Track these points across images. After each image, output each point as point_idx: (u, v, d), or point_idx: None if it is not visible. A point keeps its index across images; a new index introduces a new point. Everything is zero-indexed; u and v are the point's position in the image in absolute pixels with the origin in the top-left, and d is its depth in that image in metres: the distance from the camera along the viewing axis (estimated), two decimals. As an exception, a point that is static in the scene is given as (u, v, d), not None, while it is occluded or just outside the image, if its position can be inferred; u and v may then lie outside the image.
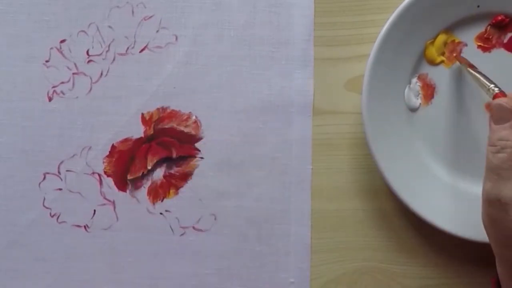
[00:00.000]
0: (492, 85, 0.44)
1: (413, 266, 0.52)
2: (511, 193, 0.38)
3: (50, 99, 0.52)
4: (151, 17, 0.52)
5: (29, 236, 0.51)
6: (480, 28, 0.50)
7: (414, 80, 0.50)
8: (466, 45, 0.50)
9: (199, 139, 0.52)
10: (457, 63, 0.50)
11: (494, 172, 0.39)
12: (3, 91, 0.52)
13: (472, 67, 0.48)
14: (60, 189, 0.52)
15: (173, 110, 0.52)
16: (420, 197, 0.49)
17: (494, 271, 0.52)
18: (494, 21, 0.50)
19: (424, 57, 0.50)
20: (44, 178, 0.52)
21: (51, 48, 0.52)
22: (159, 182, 0.52)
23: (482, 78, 0.45)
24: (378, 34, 0.48)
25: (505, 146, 0.39)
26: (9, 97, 0.52)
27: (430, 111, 0.50)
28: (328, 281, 0.51)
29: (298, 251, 0.51)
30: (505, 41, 0.50)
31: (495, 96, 0.43)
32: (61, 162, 0.52)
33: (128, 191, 0.52)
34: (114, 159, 0.52)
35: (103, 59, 0.52)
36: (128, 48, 0.52)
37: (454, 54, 0.50)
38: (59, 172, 0.52)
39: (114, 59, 0.52)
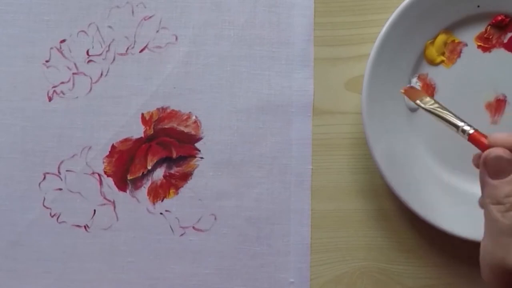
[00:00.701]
0: (462, 124, 0.39)
1: (413, 266, 0.52)
2: None
3: (50, 99, 0.52)
4: (151, 17, 0.52)
5: (29, 236, 0.51)
6: (480, 28, 0.50)
7: (414, 80, 0.50)
8: (466, 45, 0.50)
9: (199, 139, 0.52)
10: (457, 63, 0.50)
11: (509, 234, 0.34)
12: (3, 91, 0.52)
13: (424, 99, 0.42)
14: (60, 189, 0.52)
15: (173, 110, 0.52)
16: (420, 197, 0.49)
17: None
18: (494, 21, 0.50)
19: (424, 57, 0.50)
20: (44, 178, 0.52)
21: (51, 48, 0.52)
22: (159, 182, 0.52)
23: (449, 116, 0.40)
24: (378, 34, 0.48)
25: None
26: (9, 97, 0.52)
27: (430, 111, 0.50)
28: (328, 281, 0.51)
29: (298, 251, 0.51)
30: (505, 41, 0.50)
31: (471, 137, 0.38)
32: (61, 162, 0.52)
33: (128, 191, 0.52)
34: (114, 159, 0.52)
35: (103, 59, 0.52)
36: (128, 48, 0.52)
37: (402, 91, 0.45)
38: (59, 172, 0.52)
39: (114, 59, 0.52)
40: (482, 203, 0.37)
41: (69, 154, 0.52)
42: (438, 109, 0.41)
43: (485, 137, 0.38)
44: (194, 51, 0.52)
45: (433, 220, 0.48)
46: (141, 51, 0.52)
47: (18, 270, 0.52)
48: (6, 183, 0.52)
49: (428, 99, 0.42)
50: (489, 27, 0.50)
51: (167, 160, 0.52)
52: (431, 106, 0.42)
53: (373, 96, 0.48)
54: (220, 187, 0.51)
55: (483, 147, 0.38)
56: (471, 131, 0.38)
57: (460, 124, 0.39)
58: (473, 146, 0.50)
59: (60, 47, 0.52)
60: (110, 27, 0.52)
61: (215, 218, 0.51)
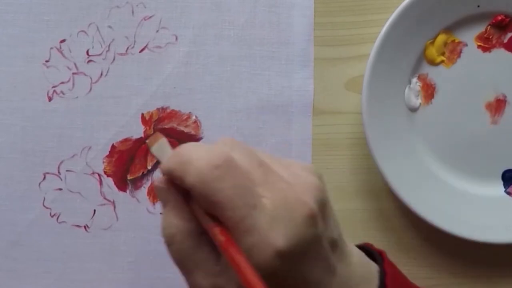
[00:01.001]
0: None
1: (413, 266, 0.51)
2: (205, 284, 0.31)
3: (50, 99, 0.52)
4: (151, 17, 0.52)
5: (29, 236, 0.51)
6: (480, 28, 0.50)
7: (414, 80, 0.50)
8: (466, 45, 0.50)
9: (199, 139, 0.52)
10: (457, 63, 0.50)
11: (182, 268, 0.32)
12: (3, 91, 0.52)
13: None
14: (60, 189, 0.52)
15: (173, 110, 0.52)
16: (420, 197, 0.49)
17: (494, 272, 0.52)
18: (494, 21, 0.50)
19: (424, 57, 0.50)
20: (44, 178, 0.52)
21: (51, 48, 0.52)
22: (159, 182, 0.52)
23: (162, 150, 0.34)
24: (378, 34, 0.48)
25: (172, 234, 0.31)
26: (9, 97, 0.52)
27: (430, 111, 0.50)
28: (328, 281, 0.51)
29: (298, 251, 0.51)
30: (505, 41, 0.50)
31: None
32: (61, 162, 0.52)
33: (128, 191, 0.52)
34: (114, 159, 0.52)
35: (103, 59, 0.52)
36: (128, 48, 0.52)
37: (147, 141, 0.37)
38: (59, 172, 0.52)
39: (114, 59, 0.52)
40: None
41: (69, 154, 0.52)
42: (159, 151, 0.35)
43: None
44: (194, 51, 0.52)
45: (433, 220, 0.48)
46: (141, 51, 0.52)
47: (18, 270, 0.51)
48: (6, 183, 0.52)
49: (162, 140, 0.35)
50: (489, 27, 0.50)
51: (167, 160, 0.52)
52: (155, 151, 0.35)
53: (373, 96, 0.48)
54: (220, 187, 0.51)
55: None
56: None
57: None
58: (473, 147, 0.50)
59: (60, 47, 0.52)
60: (110, 27, 0.52)
61: (215, 218, 0.51)
